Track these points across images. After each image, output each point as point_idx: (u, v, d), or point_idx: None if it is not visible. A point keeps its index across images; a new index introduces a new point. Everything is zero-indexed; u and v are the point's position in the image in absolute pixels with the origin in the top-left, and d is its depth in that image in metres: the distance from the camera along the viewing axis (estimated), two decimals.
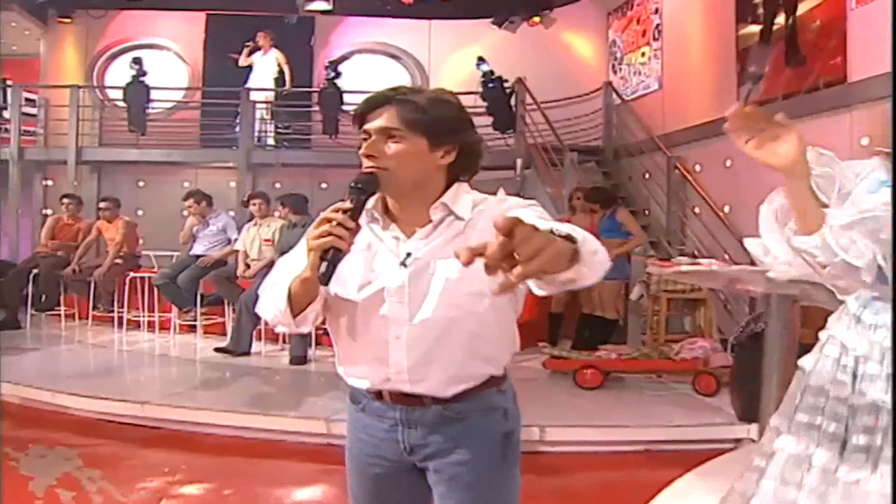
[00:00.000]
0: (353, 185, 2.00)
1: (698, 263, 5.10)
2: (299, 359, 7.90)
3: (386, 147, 2.02)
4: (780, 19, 8.91)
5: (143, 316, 9.56)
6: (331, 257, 1.89)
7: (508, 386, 2.23)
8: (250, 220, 8.99)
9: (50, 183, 13.63)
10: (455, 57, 14.91)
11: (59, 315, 9.99)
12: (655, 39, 12.14)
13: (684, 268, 4.95)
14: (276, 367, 7.90)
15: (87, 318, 9.99)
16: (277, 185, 12.58)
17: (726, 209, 9.63)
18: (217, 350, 8.21)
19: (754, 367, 5.88)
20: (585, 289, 8.31)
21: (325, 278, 1.90)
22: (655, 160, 11.18)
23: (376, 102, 2.06)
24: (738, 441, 5.65)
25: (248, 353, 8.16)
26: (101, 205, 10.19)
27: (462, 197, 2.10)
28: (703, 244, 9.95)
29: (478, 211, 2.07)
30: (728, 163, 9.71)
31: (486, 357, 2.13)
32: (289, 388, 7.20)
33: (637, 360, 7.04)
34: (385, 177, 2.02)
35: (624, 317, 8.58)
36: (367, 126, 2.06)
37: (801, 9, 8.54)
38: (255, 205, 8.87)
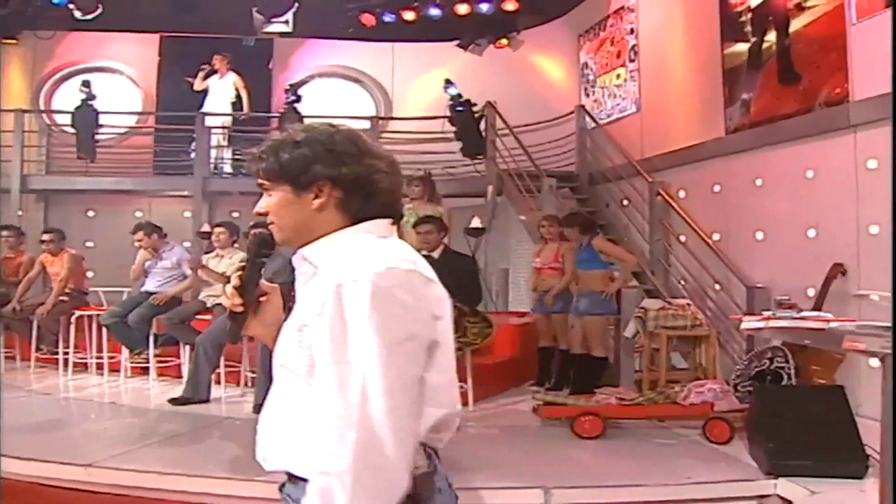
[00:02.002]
0: (248, 246, 2.12)
1: (802, 318, 4.47)
2: (261, 407, 7.18)
3: (266, 203, 1.97)
4: (771, 37, 8.46)
5: (91, 358, 8.82)
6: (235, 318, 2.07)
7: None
8: (209, 252, 8.31)
9: None
10: (420, 81, 14.43)
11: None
12: (632, 61, 11.68)
13: (784, 323, 4.33)
14: (238, 415, 7.17)
15: (29, 360, 9.21)
16: (235, 214, 11.92)
17: (715, 237, 9.12)
18: (172, 401, 7.46)
19: (777, 412, 5.35)
20: (564, 325, 7.86)
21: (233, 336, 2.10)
22: (635, 186, 10.67)
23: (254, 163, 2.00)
24: (762, 498, 5.06)
25: (206, 400, 7.44)
26: (45, 237, 9.43)
27: (324, 242, 1.93)
28: (690, 273, 9.46)
29: (325, 266, 1.85)
30: (716, 188, 9.23)
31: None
32: (254, 442, 6.45)
33: (643, 405, 6.43)
34: (273, 230, 1.99)
35: (614, 355, 8.02)
36: None
37: (795, 25, 8.10)
38: (217, 235, 8.21)
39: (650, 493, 5.01)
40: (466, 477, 5.16)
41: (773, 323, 4.44)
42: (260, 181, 1.96)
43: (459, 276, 6.83)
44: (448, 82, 12.50)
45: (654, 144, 10.66)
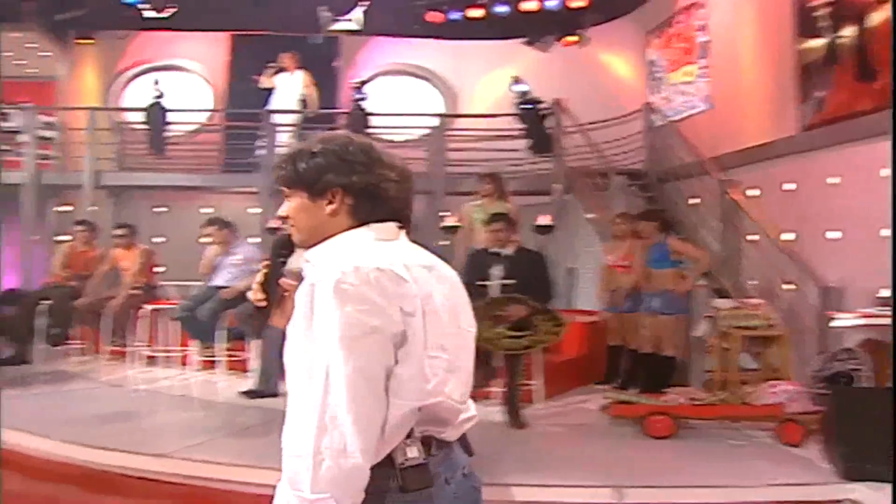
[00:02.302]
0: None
1: None
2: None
3: (286, 207, 2.14)
4: (847, 32, 8.26)
5: (161, 351, 8.97)
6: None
7: None
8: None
9: (65, 208, 13.06)
10: (486, 78, 14.39)
11: (71, 349, 9.39)
12: (702, 57, 11.50)
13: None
14: None
15: (100, 353, 9.35)
16: None
17: (788, 236, 8.93)
18: (243, 394, 7.53)
19: (854, 415, 5.23)
20: (634, 324, 7.77)
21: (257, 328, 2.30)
22: (705, 184, 10.49)
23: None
24: (836, 503, 4.94)
25: (275, 395, 7.48)
26: (117, 232, 9.58)
27: (325, 244, 2.07)
28: (760, 273, 9.28)
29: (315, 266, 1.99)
30: (789, 186, 9.04)
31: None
32: None
33: (714, 405, 6.33)
34: (293, 233, 2.14)
35: (684, 355, 7.90)
36: None
37: (872, 20, 7.89)
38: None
39: (723, 494, 4.94)
40: (536, 473, 5.14)
41: (876, 321, 4.33)
42: (281, 188, 2.14)
43: (531, 273, 6.80)
44: (516, 80, 12.45)
45: (725, 142, 10.47)
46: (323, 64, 13.97)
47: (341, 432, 1.77)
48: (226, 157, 13.33)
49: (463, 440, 2.13)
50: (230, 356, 8.51)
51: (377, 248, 2.00)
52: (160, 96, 12.74)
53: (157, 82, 12.92)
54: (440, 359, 1.96)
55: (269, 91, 13.21)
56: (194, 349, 8.69)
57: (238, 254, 8.57)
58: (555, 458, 5.68)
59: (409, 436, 1.93)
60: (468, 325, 2.13)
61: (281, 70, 13.21)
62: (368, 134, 12.18)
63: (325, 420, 1.78)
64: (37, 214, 12.53)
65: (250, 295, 7.54)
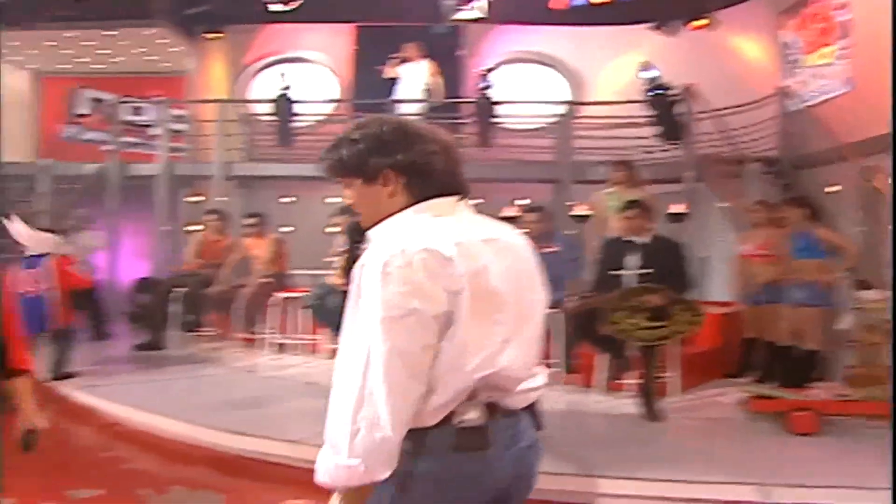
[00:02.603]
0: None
1: None
2: None
3: (349, 195, 2.24)
4: None
5: (292, 339, 9.07)
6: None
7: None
8: None
9: (196, 199, 13.38)
10: (612, 65, 14.13)
11: (204, 336, 9.61)
12: (842, 37, 11.03)
13: None
14: None
15: (231, 340, 9.53)
16: None
17: None
18: None
19: None
20: (772, 315, 7.47)
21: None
22: (843, 171, 10.07)
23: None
24: None
25: None
26: (248, 221, 9.74)
27: (383, 224, 2.15)
28: None
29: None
30: None
31: None
32: None
33: (862, 402, 6.03)
34: (360, 218, 2.24)
35: (825, 348, 7.57)
36: None
37: None
38: None
39: (877, 497, 4.68)
40: (674, 468, 4.99)
41: None
42: (336, 178, 2.25)
43: (668, 262, 6.60)
44: (645, 65, 12.19)
45: (868, 126, 10.00)
46: (447, 53, 13.95)
47: (376, 406, 1.92)
48: None
49: (533, 413, 2.23)
50: None
51: (431, 226, 2.06)
52: (287, 88, 12.94)
53: (283, 74, 13.14)
54: (493, 331, 2.04)
55: (394, 81, 13.26)
56: (324, 337, 8.74)
57: (366, 243, 8.57)
58: (693, 452, 5.50)
59: (471, 398, 2.04)
60: (534, 294, 2.20)
61: (405, 60, 13.23)
62: (495, 123, 12.15)
63: (364, 394, 1.92)
64: (169, 205, 12.87)
65: (332, 280, 7.62)
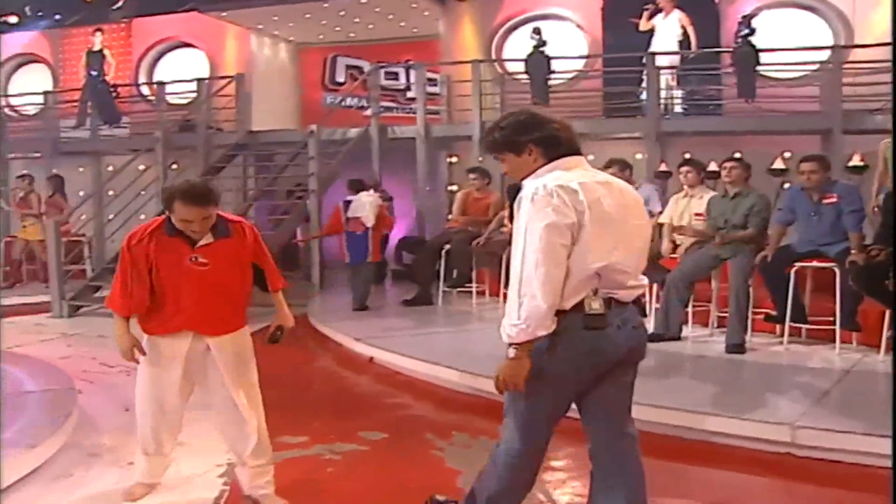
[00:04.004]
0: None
1: None
2: (737, 347, 6.96)
3: (506, 166, 3.29)
4: None
5: None
6: None
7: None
8: (680, 192, 8.15)
9: (454, 159, 13.65)
10: (882, 4, 13.13)
11: (471, 291, 9.80)
12: None
13: None
14: (708, 355, 7.02)
15: (497, 296, 9.68)
16: (686, 156, 11.64)
17: None
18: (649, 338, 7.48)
19: None
20: None
21: None
22: None
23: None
24: None
25: (677, 338, 7.37)
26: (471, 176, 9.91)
27: (531, 177, 3.16)
28: None
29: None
30: None
31: None
32: (729, 382, 6.28)
33: None
34: (515, 178, 3.32)
35: None
36: None
37: None
38: (685, 174, 8.03)
39: None
40: None
41: None
42: (494, 154, 3.31)
43: None
44: None
45: None
46: (702, 1, 13.46)
47: (533, 286, 2.89)
48: (606, 103, 13.27)
49: (638, 304, 3.21)
50: None
51: (561, 174, 3.06)
52: (542, 45, 12.90)
53: (537, 31, 13.09)
54: (606, 238, 3.00)
55: (648, 34, 12.99)
56: None
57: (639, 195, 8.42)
58: None
59: (595, 293, 3.02)
60: (638, 220, 3.18)
61: (657, 11, 12.94)
62: (757, 72, 11.65)
63: (524, 277, 2.91)
64: (429, 166, 13.18)
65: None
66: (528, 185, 3.06)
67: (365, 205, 9.68)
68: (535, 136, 3.15)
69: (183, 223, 3.86)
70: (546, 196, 2.93)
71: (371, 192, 9.97)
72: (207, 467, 4.63)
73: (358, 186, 10.04)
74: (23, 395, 5.74)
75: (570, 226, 2.92)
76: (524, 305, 2.87)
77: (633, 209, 3.14)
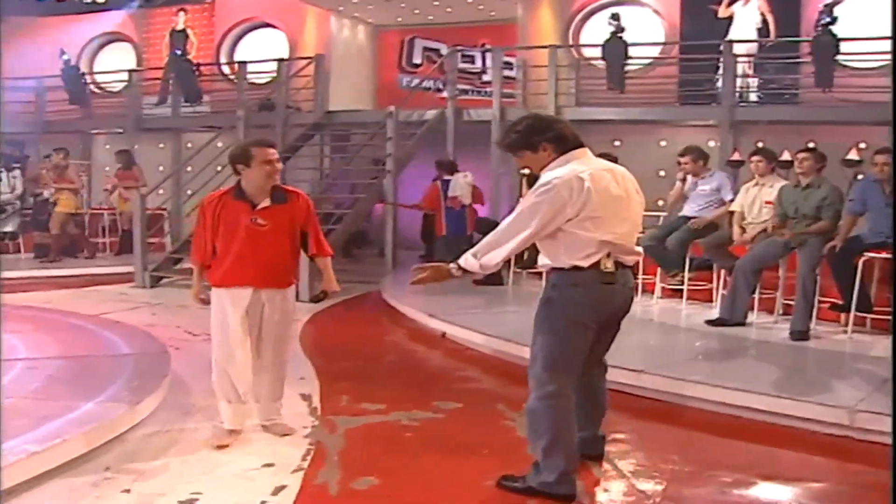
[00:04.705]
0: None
1: None
2: (801, 334, 7.03)
3: (523, 161, 4.01)
4: None
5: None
6: None
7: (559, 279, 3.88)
8: (750, 180, 8.21)
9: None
10: None
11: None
12: None
13: None
14: (772, 341, 7.11)
15: None
16: (760, 144, 11.61)
17: None
18: (709, 322, 7.60)
19: None
20: None
21: None
22: None
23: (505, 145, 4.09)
24: None
25: (742, 324, 7.48)
26: None
27: (549, 169, 3.84)
28: None
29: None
30: None
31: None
32: (792, 366, 6.38)
33: None
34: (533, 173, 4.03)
35: None
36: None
37: None
38: (756, 163, 8.07)
39: None
40: None
41: None
42: (512, 151, 4.02)
43: None
44: None
45: None
46: None
47: (506, 245, 3.77)
48: (681, 90, 13.29)
49: (635, 269, 3.99)
50: (693, 286, 8.56)
51: (573, 165, 3.77)
52: (620, 31, 12.93)
53: (615, 17, 13.11)
54: (615, 215, 3.76)
55: (725, 21, 12.96)
56: (658, 277, 8.87)
57: (709, 184, 8.49)
58: None
59: (609, 256, 3.75)
60: (638, 198, 3.97)
61: None
62: (836, 61, 11.56)
63: (503, 234, 3.79)
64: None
65: None
66: (546, 176, 3.77)
67: (462, 185, 10.99)
68: (547, 135, 3.84)
69: (265, 165, 4.57)
70: (562, 186, 3.66)
71: (467, 173, 11.21)
72: (294, 427, 4.90)
73: (451, 167, 11.32)
74: (120, 356, 6.21)
75: (573, 206, 3.66)
76: (488, 255, 3.79)
77: (632, 191, 3.93)
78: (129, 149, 14.87)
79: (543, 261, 3.91)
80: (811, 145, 8.61)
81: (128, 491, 3.93)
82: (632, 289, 3.95)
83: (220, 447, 4.56)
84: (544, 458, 3.83)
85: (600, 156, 8.20)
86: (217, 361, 4.68)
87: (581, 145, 3.86)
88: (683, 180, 8.71)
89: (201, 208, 4.75)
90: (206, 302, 4.74)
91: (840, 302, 7.13)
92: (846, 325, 7.14)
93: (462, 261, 3.85)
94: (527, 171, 4.65)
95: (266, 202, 4.62)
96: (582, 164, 3.75)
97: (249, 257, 4.58)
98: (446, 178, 11.13)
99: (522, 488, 3.92)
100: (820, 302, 7.26)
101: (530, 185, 3.89)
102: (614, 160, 8.43)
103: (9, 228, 13.15)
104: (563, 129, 3.87)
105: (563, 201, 3.64)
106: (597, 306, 3.81)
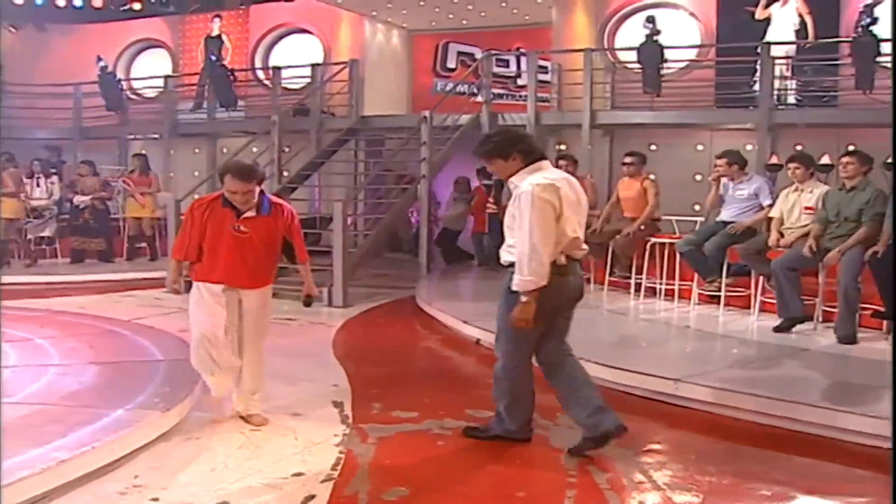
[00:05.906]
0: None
1: None
2: (849, 337, 6.90)
3: (494, 168, 4.76)
4: None
5: (661, 283, 9.18)
6: None
7: None
8: (790, 186, 8.07)
9: (563, 147, 13.66)
10: None
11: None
12: None
13: None
14: (812, 348, 6.97)
15: (602, 283, 9.76)
16: (798, 148, 11.43)
17: None
18: (777, 329, 7.47)
19: None
20: None
21: None
22: None
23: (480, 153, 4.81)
24: None
25: (806, 318, 7.49)
26: (626, 160, 9.83)
27: (518, 175, 4.55)
28: None
29: (519, 185, 4.51)
30: None
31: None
32: (833, 375, 6.27)
33: None
34: (500, 176, 4.84)
35: None
36: None
37: None
38: (793, 170, 7.92)
39: None
40: None
41: None
42: (486, 158, 4.68)
43: None
44: None
45: None
46: None
47: (536, 248, 4.26)
48: (718, 93, 13.13)
49: (581, 263, 4.73)
50: (730, 292, 8.41)
51: (542, 173, 4.47)
52: (655, 34, 12.82)
53: (651, 20, 13.00)
54: (573, 218, 4.45)
55: (763, 23, 12.81)
56: (695, 283, 8.71)
57: (746, 188, 8.37)
58: None
59: (562, 252, 4.42)
60: (585, 202, 4.66)
61: (774, 0, 12.75)
62: (877, 62, 11.38)
63: (532, 245, 4.25)
64: None
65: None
66: (523, 182, 4.44)
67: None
68: (519, 146, 4.56)
69: (229, 193, 4.94)
70: (543, 191, 4.31)
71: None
72: (325, 437, 4.88)
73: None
74: (152, 362, 6.30)
75: (555, 210, 4.33)
76: (533, 266, 4.26)
77: (581, 196, 4.64)
78: (146, 153, 14.97)
79: (507, 257, 4.52)
80: (851, 148, 8.45)
81: (156, 500, 3.92)
82: (582, 277, 4.75)
83: (221, 418, 5.18)
84: (507, 414, 4.78)
85: (722, 155, 8.50)
86: (196, 340, 5.07)
87: (544, 157, 4.63)
88: (717, 182, 8.61)
89: (190, 211, 5.13)
90: (178, 292, 5.41)
91: (882, 309, 6.99)
92: (888, 332, 7.00)
93: (518, 287, 4.35)
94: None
95: (251, 212, 5.02)
96: (549, 174, 4.52)
97: (231, 260, 5.00)
98: (485, 182, 12.39)
99: (488, 436, 4.86)
100: (861, 309, 7.12)
101: (497, 191, 4.13)
102: (734, 163, 8.57)
103: (46, 233, 13.18)
104: (532, 143, 4.65)
105: (553, 202, 4.34)
106: (554, 294, 4.43)
